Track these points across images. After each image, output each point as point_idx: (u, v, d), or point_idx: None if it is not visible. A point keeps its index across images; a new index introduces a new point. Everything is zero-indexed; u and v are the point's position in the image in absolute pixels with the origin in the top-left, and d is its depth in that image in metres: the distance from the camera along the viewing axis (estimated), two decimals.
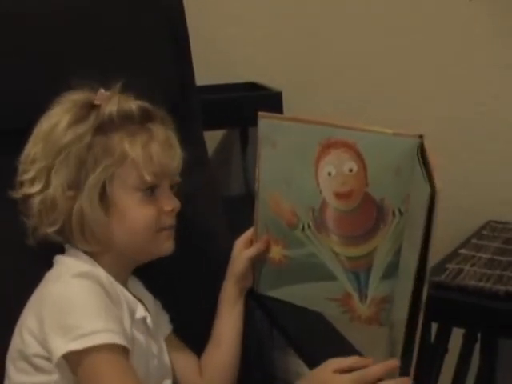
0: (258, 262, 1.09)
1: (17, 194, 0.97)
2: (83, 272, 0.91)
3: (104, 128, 0.94)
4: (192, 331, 1.11)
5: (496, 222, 1.61)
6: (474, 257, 1.41)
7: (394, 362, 0.88)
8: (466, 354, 1.44)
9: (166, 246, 1.00)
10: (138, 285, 1.06)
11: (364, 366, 0.90)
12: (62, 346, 0.85)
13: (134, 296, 1.00)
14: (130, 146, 0.94)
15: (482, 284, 1.28)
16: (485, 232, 1.55)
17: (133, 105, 0.97)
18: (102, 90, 0.97)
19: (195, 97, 1.28)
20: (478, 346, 1.50)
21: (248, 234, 1.10)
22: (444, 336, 1.40)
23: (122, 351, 0.88)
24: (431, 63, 1.64)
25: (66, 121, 0.94)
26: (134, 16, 1.20)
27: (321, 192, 0.96)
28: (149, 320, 0.99)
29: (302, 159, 0.97)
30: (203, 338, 1.12)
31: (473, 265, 1.37)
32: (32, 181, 0.95)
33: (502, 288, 1.26)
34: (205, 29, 1.60)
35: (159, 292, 1.09)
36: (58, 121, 0.95)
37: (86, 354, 0.85)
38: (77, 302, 0.88)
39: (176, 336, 1.10)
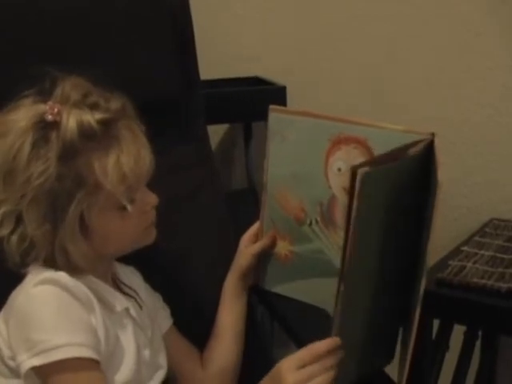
0: (262, 257, 1.09)
1: None
2: (46, 278, 0.87)
3: (68, 154, 0.86)
4: (194, 325, 1.11)
5: (499, 219, 1.61)
6: (476, 254, 1.41)
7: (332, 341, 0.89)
8: (466, 351, 1.44)
9: (150, 237, 0.97)
10: (134, 276, 1.05)
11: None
12: (26, 360, 0.83)
13: (126, 286, 1.00)
14: (102, 173, 0.87)
15: (484, 281, 1.28)
16: (487, 230, 1.55)
17: (91, 118, 0.87)
18: (50, 103, 0.88)
19: (199, 92, 1.28)
20: (478, 344, 1.50)
21: (254, 228, 1.10)
22: (445, 333, 1.40)
23: (90, 363, 0.85)
24: (434, 63, 1.63)
25: (25, 150, 0.86)
26: (136, 13, 1.20)
27: (330, 187, 0.96)
28: (132, 310, 0.97)
29: (312, 154, 0.97)
30: (205, 332, 1.12)
31: (475, 262, 1.37)
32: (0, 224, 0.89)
33: (503, 285, 1.26)
34: (209, 24, 1.60)
35: (160, 287, 1.09)
36: (15, 151, 0.86)
37: (50, 368, 0.83)
38: (40, 314, 0.85)
39: (177, 330, 1.09)
